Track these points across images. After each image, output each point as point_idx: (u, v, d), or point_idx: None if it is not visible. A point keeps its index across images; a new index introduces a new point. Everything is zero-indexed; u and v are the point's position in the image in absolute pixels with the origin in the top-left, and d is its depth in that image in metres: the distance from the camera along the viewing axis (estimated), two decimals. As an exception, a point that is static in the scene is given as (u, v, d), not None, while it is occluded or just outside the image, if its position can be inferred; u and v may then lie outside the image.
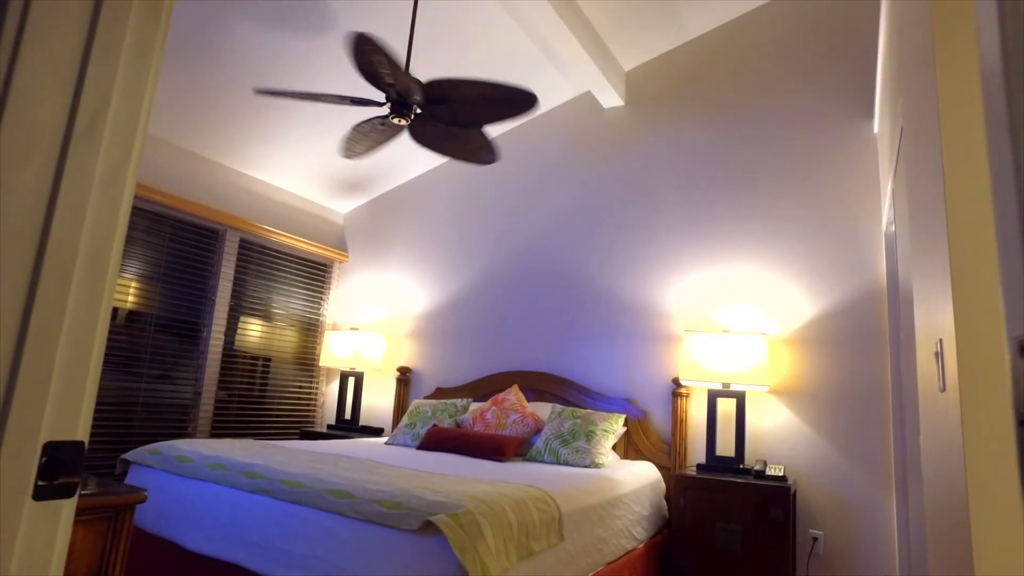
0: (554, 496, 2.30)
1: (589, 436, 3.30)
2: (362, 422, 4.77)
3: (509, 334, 4.29)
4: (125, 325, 3.73)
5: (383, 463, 2.69)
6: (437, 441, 3.50)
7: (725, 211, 3.70)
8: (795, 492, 2.91)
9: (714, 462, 3.29)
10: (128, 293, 3.75)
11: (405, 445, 3.70)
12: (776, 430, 3.39)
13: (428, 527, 1.81)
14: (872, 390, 3.17)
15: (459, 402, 3.93)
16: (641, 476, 3.21)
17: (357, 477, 2.21)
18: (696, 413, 3.60)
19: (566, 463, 3.25)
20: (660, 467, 3.53)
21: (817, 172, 3.50)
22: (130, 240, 3.75)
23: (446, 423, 3.76)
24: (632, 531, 2.90)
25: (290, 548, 2.09)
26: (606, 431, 3.35)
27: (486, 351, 4.35)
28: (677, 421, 3.56)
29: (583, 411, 3.50)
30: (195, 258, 4.10)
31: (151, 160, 3.86)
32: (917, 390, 1.89)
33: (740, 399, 3.31)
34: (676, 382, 3.59)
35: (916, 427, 2.32)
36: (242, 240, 4.38)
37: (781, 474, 3.02)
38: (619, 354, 3.88)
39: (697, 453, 3.55)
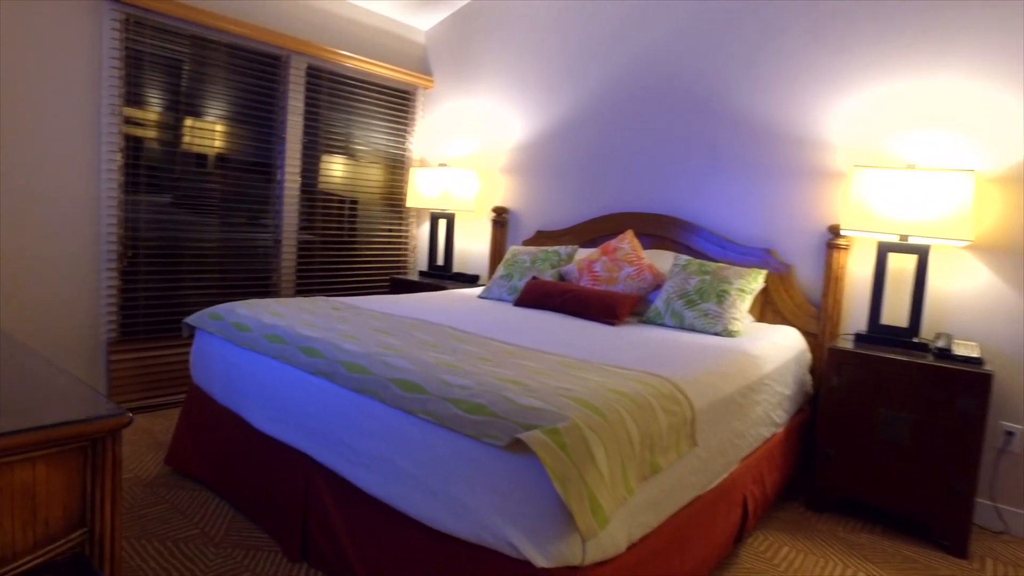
0: (685, 390, 1.77)
1: (721, 297, 2.69)
2: (456, 268, 4.38)
3: (622, 168, 3.58)
4: (200, 169, 3.37)
5: (468, 332, 2.24)
6: (537, 297, 3.02)
7: (931, -7, 2.65)
8: (991, 377, 2.24)
9: (878, 332, 2.62)
10: (195, 135, 3.34)
11: (500, 299, 3.27)
12: (968, 297, 2.62)
13: (519, 444, 1.34)
14: None
15: (563, 249, 3.39)
16: (785, 348, 2.61)
17: (431, 360, 1.77)
18: (857, 270, 2.86)
19: (691, 328, 2.70)
20: (805, 333, 2.90)
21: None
22: (173, 72, 3.27)
23: (547, 275, 3.26)
24: (772, 416, 2.38)
25: (354, 443, 1.73)
26: (742, 291, 2.72)
27: (594, 189, 3.70)
28: (831, 279, 2.85)
29: (713, 265, 2.86)
30: (257, 90, 3.58)
31: (193, -33, 3.24)
32: None
33: (923, 255, 2.54)
34: (834, 230, 2.83)
35: None
36: (309, 67, 3.79)
37: (975, 355, 2.32)
38: (759, 194, 3.12)
39: (855, 320, 2.87)
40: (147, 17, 3.05)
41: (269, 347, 2.06)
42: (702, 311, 2.69)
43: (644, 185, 3.49)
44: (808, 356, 2.82)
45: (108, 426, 1.08)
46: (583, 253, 3.39)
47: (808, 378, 2.80)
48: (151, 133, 3.20)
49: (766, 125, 3.08)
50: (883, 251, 2.64)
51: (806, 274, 3.00)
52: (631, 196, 3.54)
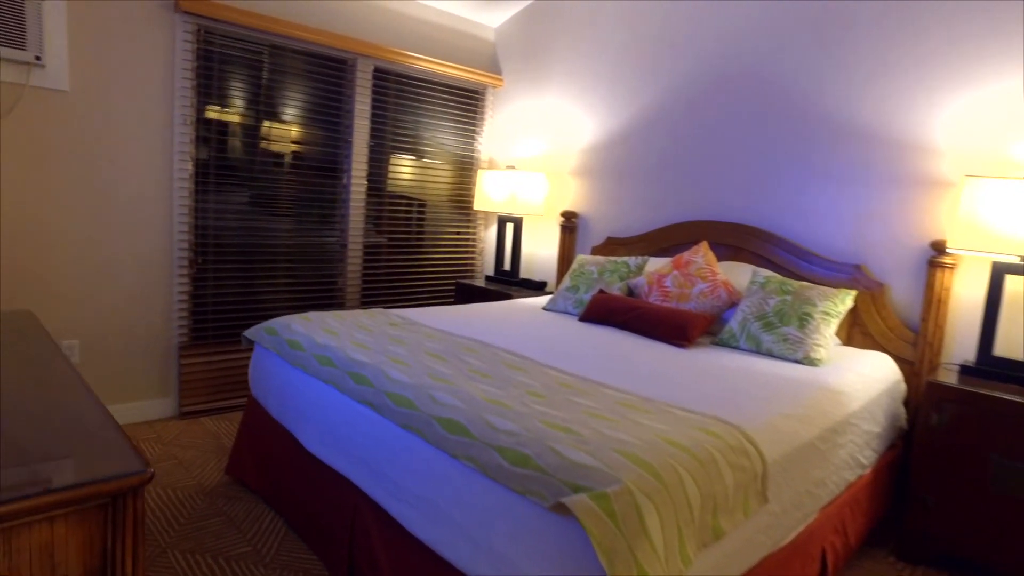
0: (756, 439, 1.59)
1: (803, 320, 2.46)
2: (523, 274, 4.27)
3: (698, 173, 3.36)
4: (267, 174, 3.41)
5: (524, 358, 2.13)
6: (603, 313, 2.87)
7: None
8: None
9: (990, 365, 2.33)
10: (262, 139, 3.38)
11: (566, 312, 3.13)
12: (1104, 324, 2.28)
13: (564, 507, 1.22)
14: None
15: (632, 261, 3.21)
16: (875, 379, 2.35)
17: (480, 396, 1.67)
18: (965, 293, 2.55)
19: (768, 353, 2.48)
20: (899, 360, 2.61)
21: None
22: (242, 79, 3.30)
23: (615, 288, 3.10)
24: (858, 457, 2.14)
25: (399, 479, 1.66)
26: (827, 314, 2.48)
27: (668, 194, 3.49)
28: (933, 301, 2.55)
29: (795, 284, 2.62)
30: (323, 93, 3.58)
31: (263, -26, 3.25)
32: None
33: (1048, 278, 2.22)
34: (938, 247, 2.53)
35: None
36: (376, 69, 3.75)
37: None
38: (850, 203, 2.84)
39: (960, 348, 2.56)
40: (216, 27, 3.09)
41: (319, 369, 2.03)
42: (781, 335, 2.47)
43: (722, 191, 3.26)
44: (902, 387, 2.54)
45: (129, 484, 1.03)
46: (654, 264, 3.20)
47: (902, 411, 2.52)
48: (221, 138, 3.25)
49: (862, 126, 2.79)
50: (998, 272, 2.34)
51: (902, 294, 2.71)
52: (707, 203, 3.32)
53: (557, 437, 1.42)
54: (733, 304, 2.76)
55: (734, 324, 2.63)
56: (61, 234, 2.81)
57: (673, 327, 2.60)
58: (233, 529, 2.25)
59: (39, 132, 2.70)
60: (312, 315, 2.50)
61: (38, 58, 2.58)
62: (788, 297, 2.55)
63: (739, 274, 2.91)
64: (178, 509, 2.35)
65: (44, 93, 2.68)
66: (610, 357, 2.27)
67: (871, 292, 2.72)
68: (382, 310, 2.76)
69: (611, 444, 1.40)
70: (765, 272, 2.79)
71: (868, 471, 2.24)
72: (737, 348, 2.58)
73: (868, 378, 2.32)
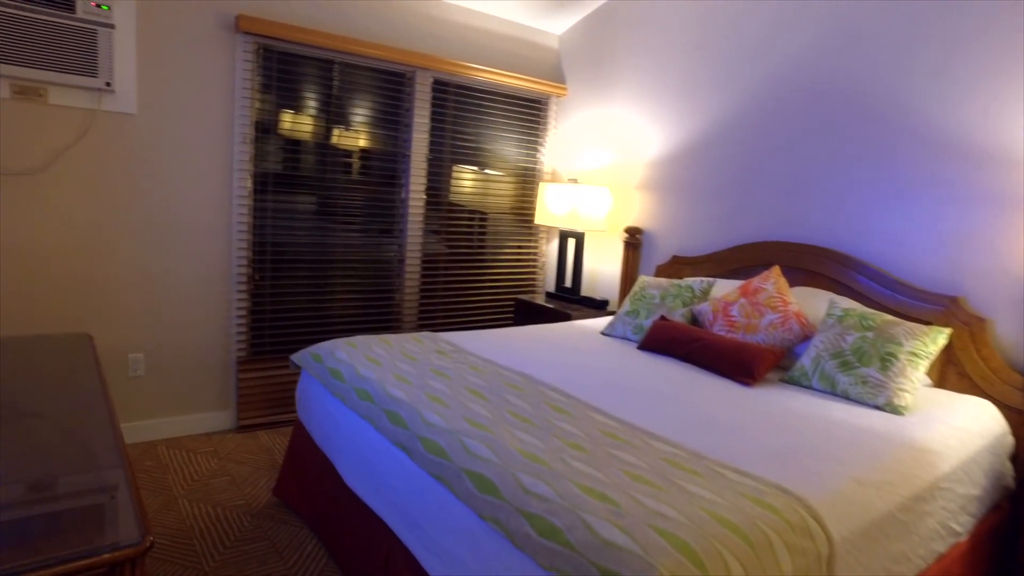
0: (822, 515, 1.40)
1: (886, 362, 2.21)
2: (584, 291, 4.13)
3: (772, 190, 3.12)
4: (323, 189, 3.43)
5: (572, 398, 2.00)
6: (663, 342, 2.70)
7: None
8: None
9: (1115, 419, 2.01)
10: (321, 153, 3.40)
11: (624, 338, 2.98)
12: None
13: (592, 594, 1.09)
14: None
15: (697, 284, 3.02)
16: (973, 433, 2.07)
17: (516, 447, 1.56)
18: (1086, 332, 2.22)
19: (845, 396, 2.24)
20: (1003, 407, 2.31)
21: None
22: (300, 95, 3.31)
23: (677, 314, 2.91)
24: (952, 525, 1.89)
25: (430, 530, 1.57)
26: (914, 355, 2.21)
27: (739, 212, 3.27)
28: (1045, 340, 2.24)
29: (878, 318, 2.36)
30: (382, 106, 3.56)
31: (319, 3, 3.26)
32: None
33: None
34: (1053, 279, 2.22)
35: None
36: (436, 81, 3.70)
37: None
38: (945, 225, 2.54)
39: (1079, 395, 2.23)
40: (275, 44, 3.12)
41: (358, 404, 1.97)
42: (860, 377, 2.22)
43: (798, 209, 3.01)
44: (1009, 440, 2.24)
45: (126, 556, 0.99)
46: (721, 289, 2.99)
47: (1008, 468, 2.22)
48: (279, 155, 3.29)
49: (959, 140, 2.50)
50: (1125, 314, 2.02)
51: (1009, 331, 2.40)
52: (782, 222, 3.07)
53: (591, 506, 1.29)
54: (806, 338, 2.52)
55: (806, 361, 2.40)
56: (127, 251, 2.90)
57: (738, 362, 2.40)
58: (275, 555, 2.24)
59: (108, 154, 2.79)
60: (359, 340, 2.46)
61: (108, 84, 2.66)
62: (869, 334, 2.30)
63: (814, 302, 2.67)
64: (225, 530, 2.37)
65: (113, 117, 2.77)
66: (665, 397, 2.11)
67: (969, 328, 2.42)
68: (431, 335, 2.69)
69: (650, 519, 1.25)
70: (844, 303, 2.54)
71: (964, 539, 1.98)
72: (809, 388, 2.36)
73: (965, 431, 2.05)
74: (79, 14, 2.56)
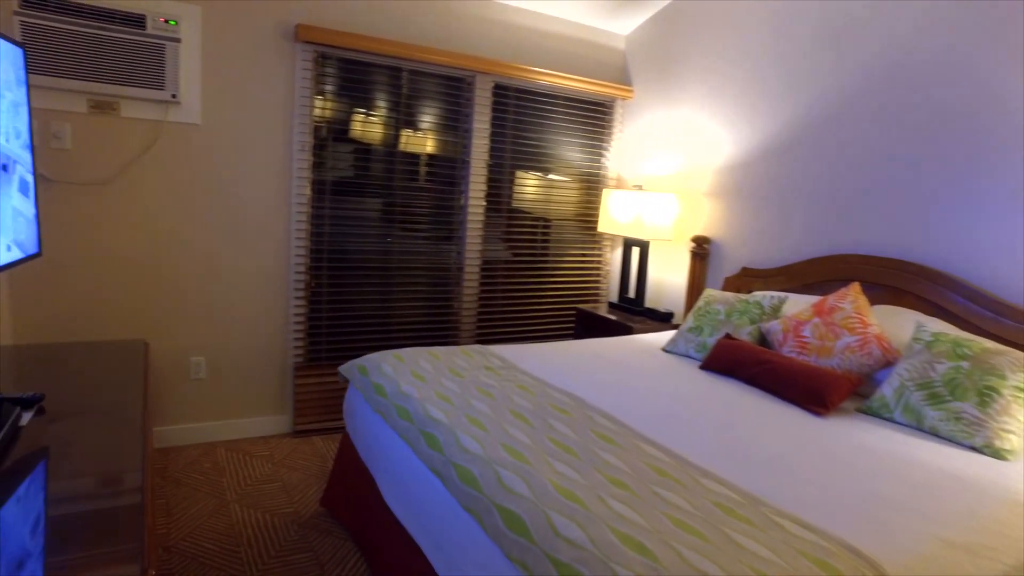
0: (897, 582, 1.22)
1: (985, 397, 1.95)
2: (648, 302, 3.95)
3: (852, 198, 2.86)
4: (379, 195, 3.43)
5: (622, 425, 1.87)
6: (727, 363, 2.52)
7: None
8: None
9: None
10: (380, 159, 3.39)
11: (686, 356, 2.80)
12: None
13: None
14: None
15: (766, 301, 2.80)
16: (1089, 482, 1.80)
17: (553, 482, 1.45)
18: None
19: (933, 433, 2.01)
20: None
21: None
22: (359, 101, 3.31)
23: (744, 332, 2.72)
24: (1058, 589, 1.64)
25: (462, 564, 1.49)
26: (1021, 391, 1.95)
27: (816, 222, 3.02)
28: None
29: (976, 345, 2.10)
30: (441, 110, 3.52)
31: (372, 7, 3.25)
32: None
33: None
34: None
35: None
36: (496, 85, 3.63)
37: None
38: (1060, 241, 2.24)
39: None
40: (334, 52, 3.13)
41: (397, 422, 1.91)
42: (953, 412, 1.98)
43: (882, 220, 2.74)
44: None
45: (122, 593, 0.95)
46: (793, 305, 2.77)
47: None
48: (337, 161, 3.30)
49: (1080, 146, 2.19)
50: None
51: None
52: (863, 233, 2.82)
53: (626, 559, 1.17)
54: (888, 364, 2.28)
55: (888, 390, 2.17)
56: (191, 257, 2.98)
57: (809, 389, 2.19)
58: (317, 568, 2.21)
59: (173, 163, 2.87)
60: (407, 353, 2.41)
61: (174, 96, 2.73)
62: (965, 363, 2.05)
63: (899, 324, 2.41)
64: (271, 538, 2.37)
65: (179, 127, 2.85)
66: (723, 426, 1.95)
67: (1086, 358, 2.11)
68: (482, 348, 2.62)
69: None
70: (934, 326, 2.28)
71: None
72: (890, 420, 2.12)
73: (1076, 480, 1.78)
74: (149, 30, 2.64)
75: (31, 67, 2.47)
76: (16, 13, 2.43)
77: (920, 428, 2.05)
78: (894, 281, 2.63)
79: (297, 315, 3.25)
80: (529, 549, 1.26)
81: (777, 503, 1.45)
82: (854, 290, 2.50)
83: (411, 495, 1.77)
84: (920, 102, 2.61)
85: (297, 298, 3.24)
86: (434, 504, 1.64)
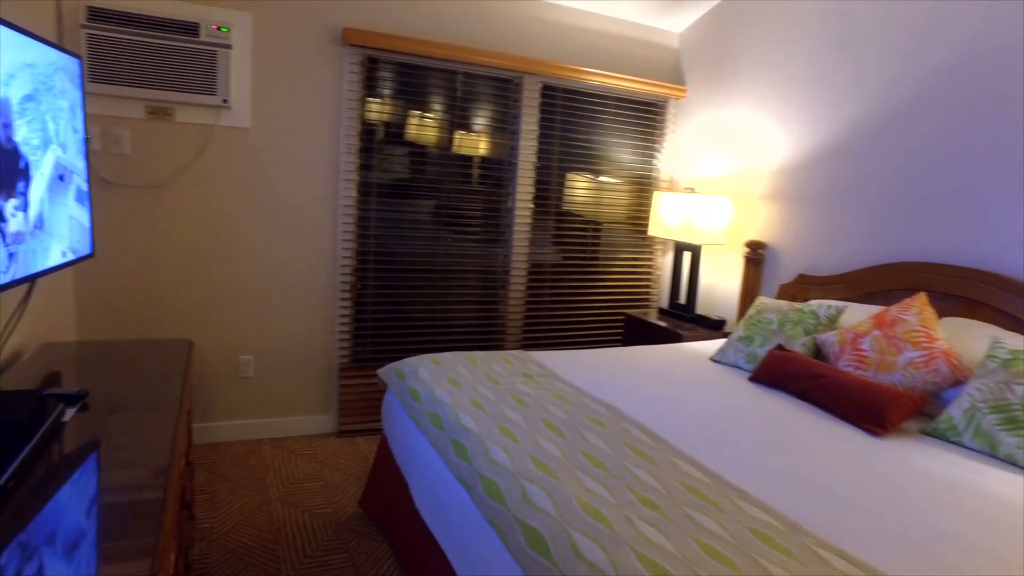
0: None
1: (1065, 421, 1.78)
2: (700, 308, 3.82)
3: (918, 201, 2.68)
4: (426, 196, 3.43)
5: (660, 440, 1.79)
6: (777, 376, 2.39)
7: None
8: None
9: None
10: (427, 161, 3.39)
11: (736, 367, 2.68)
12: None
13: None
14: None
15: (822, 311, 2.65)
16: None
17: (579, 500, 1.39)
18: None
19: (1009, 461, 1.84)
20: None
21: None
22: (406, 103, 3.31)
23: (798, 343, 2.58)
24: None
25: (484, 580, 1.45)
26: (1108, 415, 1.76)
27: (879, 227, 2.85)
28: None
29: (1057, 364, 1.92)
30: (489, 111, 3.49)
31: (419, 9, 3.25)
32: None
33: None
34: None
35: None
36: (545, 86, 3.58)
37: None
38: None
39: None
40: (381, 55, 3.16)
41: (429, 429, 1.89)
42: (1028, 438, 1.81)
43: (951, 225, 2.55)
44: None
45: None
46: (852, 315, 2.61)
47: None
48: (383, 163, 3.32)
49: None
50: None
51: None
52: (931, 240, 2.63)
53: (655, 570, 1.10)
54: (958, 382, 2.11)
55: (957, 411, 2.00)
56: (240, 259, 3.05)
57: (866, 406, 2.05)
58: (352, 570, 2.22)
59: (224, 167, 2.95)
60: (444, 358, 2.39)
61: (225, 101, 2.80)
62: (1043, 384, 1.87)
63: (970, 339, 2.23)
64: (309, 538, 2.39)
65: (230, 131, 2.92)
66: (769, 443, 1.84)
67: None
68: (522, 354, 2.57)
69: (720, 614, 1.04)
70: (1012, 342, 2.10)
71: None
72: (958, 444, 1.96)
73: None
74: (202, 37, 2.72)
75: (93, 76, 2.57)
76: (83, 26, 2.54)
77: (994, 455, 1.88)
78: (966, 291, 2.44)
79: (343, 316, 3.29)
80: (550, 570, 1.21)
81: (822, 533, 1.35)
82: (920, 301, 2.34)
83: (440, 503, 1.75)
84: (994, 101, 2.41)
85: (343, 299, 3.27)
86: (460, 514, 1.61)
